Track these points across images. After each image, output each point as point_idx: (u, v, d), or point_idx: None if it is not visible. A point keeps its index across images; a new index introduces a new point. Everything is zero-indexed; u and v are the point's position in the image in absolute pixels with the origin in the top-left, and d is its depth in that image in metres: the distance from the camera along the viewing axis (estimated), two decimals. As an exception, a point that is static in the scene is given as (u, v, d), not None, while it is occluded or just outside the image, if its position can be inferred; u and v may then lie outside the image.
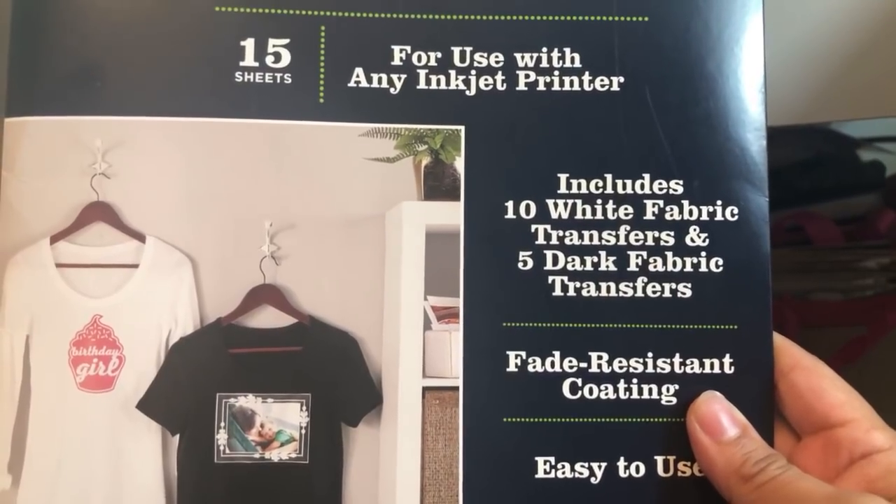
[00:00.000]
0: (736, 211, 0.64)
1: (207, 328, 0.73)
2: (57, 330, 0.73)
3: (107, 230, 0.78)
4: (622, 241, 0.65)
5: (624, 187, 0.64)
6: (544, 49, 0.66)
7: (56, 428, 0.71)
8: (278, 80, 0.68)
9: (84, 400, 0.73)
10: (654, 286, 0.64)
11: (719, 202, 0.64)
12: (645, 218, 0.64)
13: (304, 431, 0.71)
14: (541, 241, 0.66)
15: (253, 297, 0.77)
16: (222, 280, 0.78)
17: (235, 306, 0.76)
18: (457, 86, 0.63)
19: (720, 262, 0.64)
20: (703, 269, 0.64)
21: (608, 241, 0.64)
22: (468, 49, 0.67)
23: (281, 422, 0.71)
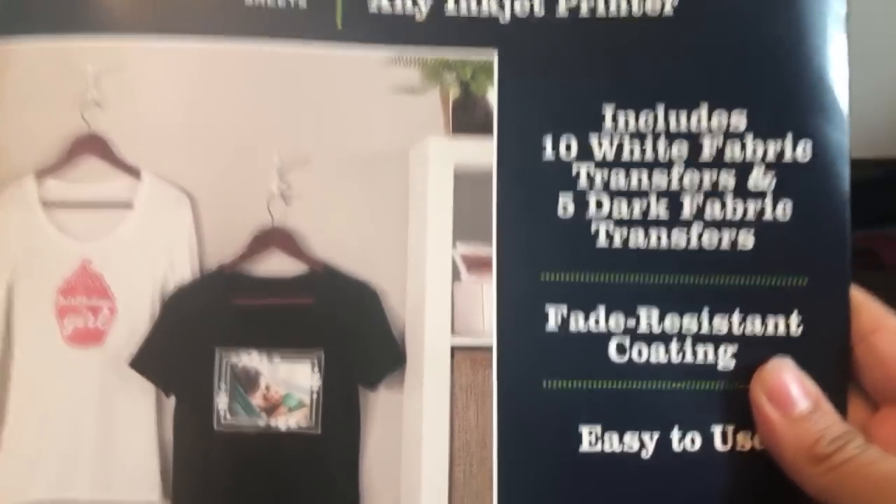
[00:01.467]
0: (809, 147, 0.56)
1: (208, 276, 0.69)
2: (42, 277, 0.68)
3: (98, 165, 0.73)
4: (675, 185, 0.58)
5: (678, 121, 0.57)
6: None
7: (40, 385, 0.67)
8: (292, 4, 0.64)
9: (71, 355, 0.69)
10: (711, 234, 0.57)
11: (789, 137, 0.56)
12: (702, 158, 0.56)
13: (315, 396, 0.66)
14: (583, 183, 0.59)
15: (259, 242, 0.71)
16: (225, 222, 0.72)
17: (239, 251, 0.71)
18: (490, 11, 0.58)
19: (788, 206, 0.57)
20: (769, 215, 0.57)
21: (659, 183, 0.58)
22: None
23: (289, 384, 0.66)
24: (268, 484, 0.62)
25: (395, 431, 0.63)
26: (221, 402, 0.65)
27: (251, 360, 0.66)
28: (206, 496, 0.63)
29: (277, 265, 0.68)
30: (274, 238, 0.71)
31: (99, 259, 0.70)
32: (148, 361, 0.67)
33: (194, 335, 0.67)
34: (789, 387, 0.56)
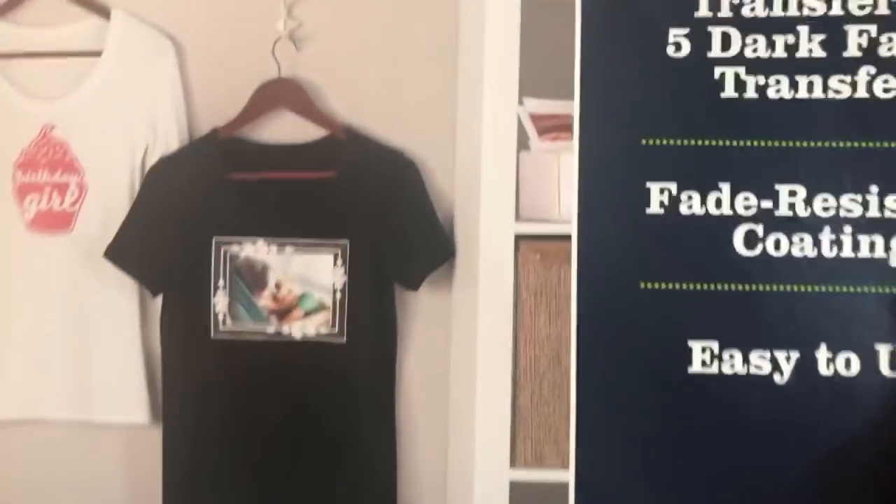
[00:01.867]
0: None
1: (199, 143, 0.59)
2: (10, 141, 0.60)
3: (58, 3, 0.62)
4: (836, 9, 0.46)
5: None
6: None
7: (18, 288, 0.59)
8: None
9: (34, 244, 0.59)
10: (885, 80, 0.43)
11: None
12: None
13: (339, 296, 0.54)
14: (704, 11, 0.46)
15: (262, 98, 0.59)
16: (220, 73, 0.61)
17: (238, 111, 0.59)
18: None
19: None
20: None
21: (813, 9, 0.48)
22: None
23: (306, 280, 0.55)
24: (280, 405, 0.54)
25: (441, 344, 0.53)
26: (220, 303, 0.55)
27: (257, 250, 0.55)
28: (204, 419, 0.55)
29: (287, 129, 0.57)
30: (282, 93, 0.58)
31: (63, 123, 0.60)
32: (128, 252, 0.57)
33: (184, 219, 0.57)
34: None
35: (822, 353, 0.46)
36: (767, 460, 0.46)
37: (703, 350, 0.46)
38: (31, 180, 0.58)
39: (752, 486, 0.47)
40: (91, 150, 0.59)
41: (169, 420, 0.54)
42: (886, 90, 0.46)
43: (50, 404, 0.57)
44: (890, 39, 0.46)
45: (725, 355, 0.46)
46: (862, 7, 0.47)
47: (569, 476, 0.46)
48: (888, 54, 0.46)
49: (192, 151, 0.58)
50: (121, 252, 0.56)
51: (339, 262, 0.53)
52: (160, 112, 0.59)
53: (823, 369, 0.46)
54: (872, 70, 0.46)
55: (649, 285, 0.48)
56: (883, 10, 0.47)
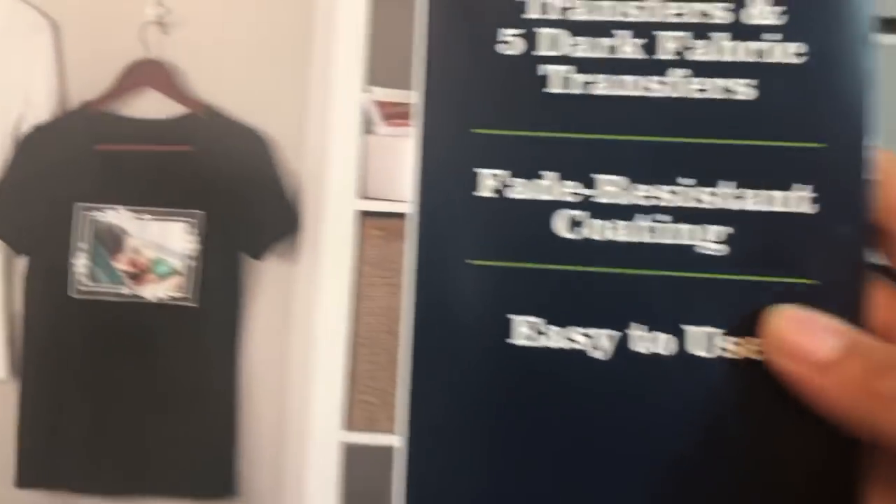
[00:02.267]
0: None
1: (69, 116, 0.53)
2: None
3: None
4: (652, 17, 0.40)
5: (656, -63, 0.40)
6: None
7: None
8: None
9: None
10: (698, 82, 0.39)
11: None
12: (689, -19, 0.40)
13: (192, 263, 0.51)
14: (533, 13, 0.41)
15: (130, 76, 0.55)
16: (92, 52, 0.56)
17: (107, 88, 0.55)
18: None
19: (801, 48, 0.40)
20: (775, 57, 0.40)
21: (632, 15, 0.39)
22: None
23: (161, 247, 0.51)
24: (132, 361, 0.50)
25: (283, 310, 0.50)
26: (80, 264, 0.51)
27: (117, 217, 0.51)
28: (61, 373, 0.49)
29: (152, 106, 0.52)
30: (147, 73, 0.54)
31: None
32: None
33: (51, 185, 0.52)
34: (805, 327, 0.40)
35: (637, 332, 0.43)
36: (582, 427, 0.44)
37: (525, 324, 0.43)
38: None
39: (566, 448, 0.44)
40: None
41: (27, 374, 0.49)
42: (699, 91, 0.44)
43: None
44: (701, 45, 0.44)
45: (545, 329, 0.43)
46: (677, 15, 0.44)
47: (398, 439, 0.43)
48: (700, 59, 0.44)
49: (62, 123, 0.53)
50: None
51: (193, 231, 0.49)
52: (34, 85, 0.53)
53: (636, 346, 0.43)
54: (686, 72, 0.44)
55: (477, 262, 0.45)
56: (695, 18, 0.44)
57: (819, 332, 0.42)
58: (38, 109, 0.53)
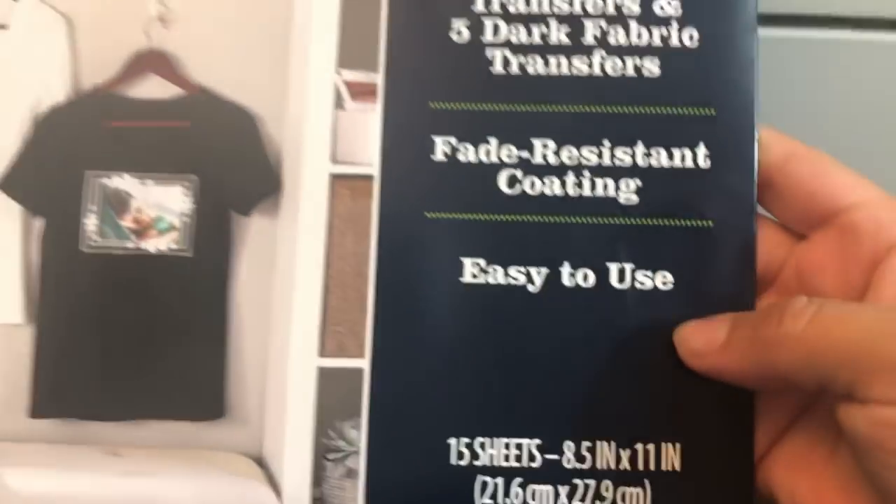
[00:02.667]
0: None
1: (82, 97, 0.53)
2: None
3: None
4: (577, 9, 0.42)
5: (578, -58, 0.42)
6: None
7: None
8: None
9: None
10: (614, 61, 0.42)
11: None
12: (604, -20, 0.42)
13: (186, 220, 0.51)
14: (480, 6, 0.43)
15: (136, 64, 0.54)
16: (102, 44, 0.55)
17: (115, 74, 0.54)
18: None
19: (695, 34, 0.42)
20: (675, 42, 0.42)
21: (560, 8, 0.42)
22: None
23: (161, 207, 0.51)
24: (136, 304, 0.49)
25: (267, 258, 0.49)
26: (90, 223, 0.50)
27: (123, 182, 0.51)
28: (73, 318, 0.49)
29: (154, 89, 0.52)
30: (150, 60, 0.53)
31: None
32: (16, 182, 0.52)
33: (65, 157, 0.52)
34: (695, 332, 0.42)
35: (566, 269, 0.44)
36: (518, 346, 0.45)
37: (473, 265, 0.45)
38: None
39: (505, 364, 0.46)
40: None
41: (41, 319, 0.50)
42: (613, 69, 0.45)
43: None
44: (616, 31, 0.45)
45: (490, 269, 0.45)
46: (595, 6, 0.46)
47: (365, 363, 0.45)
48: (615, 42, 0.46)
49: (75, 104, 0.53)
50: (10, 182, 0.52)
51: (188, 193, 0.49)
52: (52, 73, 0.53)
53: (566, 281, 0.45)
54: (604, 53, 0.45)
55: (433, 215, 0.46)
56: (611, 10, 0.46)
57: (709, 327, 0.44)
58: (55, 93, 0.52)
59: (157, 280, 0.48)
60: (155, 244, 0.48)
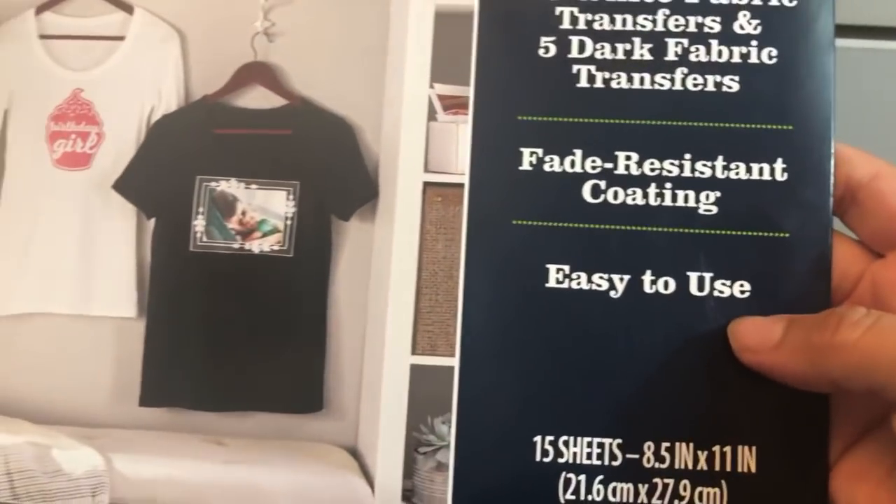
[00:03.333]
0: None
1: (192, 105, 0.52)
2: (36, 103, 0.54)
3: (94, 0, 0.57)
4: (660, 27, 0.40)
5: (663, -35, 0.40)
6: None
7: (28, 204, 0.53)
8: None
9: (59, 177, 0.54)
10: (695, 78, 0.39)
11: (775, -20, 0.40)
12: (687, 1, 0.39)
13: (289, 222, 0.50)
14: (566, 24, 0.41)
15: (242, 75, 0.54)
16: (211, 57, 0.56)
17: (223, 84, 0.50)
18: None
19: (773, 52, 0.40)
20: (754, 59, 0.40)
21: (644, 26, 0.41)
22: None
23: (265, 210, 0.51)
24: (240, 301, 0.49)
25: (364, 261, 0.49)
26: (199, 224, 0.51)
27: (229, 186, 0.51)
28: (180, 313, 0.50)
29: (258, 98, 0.52)
30: (255, 72, 0.54)
31: (90, 88, 0.55)
32: (131, 184, 0.52)
33: (177, 161, 0.52)
34: (754, 324, 0.40)
35: (647, 276, 0.43)
36: (604, 352, 0.44)
37: (558, 271, 0.43)
38: (60, 129, 0.54)
39: (591, 369, 0.44)
40: (109, 109, 0.55)
41: (152, 313, 0.51)
42: (695, 85, 0.44)
43: (58, 301, 0.53)
44: (697, 49, 0.44)
45: (574, 275, 0.43)
46: (677, 25, 0.44)
47: (455, 361, 0.44)
48: (696, 59, 0.44)
49: (186, 111, 0.53)
50: (125, 184, 0.52)
51: (291, 197, 0.49)
52: (164, 83, 0.55)
53: (647, 288, 0.43)
54: (685, 70, 0.44)
55: (519, 222, 0.45)
56: (692, 28, 0.45)
57: (765, 325, 0.42)
58: (167, 102, 0.53)
59: (260, 279, 0.48)
60: (259, 245, 0.48)
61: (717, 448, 0.40)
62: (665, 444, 0.40)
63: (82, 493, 0.42)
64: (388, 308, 0.43)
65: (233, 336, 0.47)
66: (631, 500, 0.40)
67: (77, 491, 0.43)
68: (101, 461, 0.44)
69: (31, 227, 0.52)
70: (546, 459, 0.42)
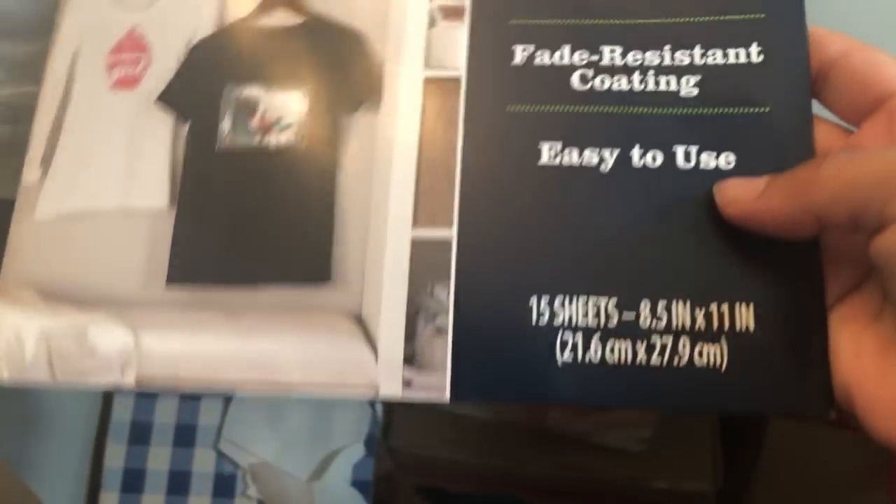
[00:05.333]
0: None
1: (225, 29, 0.42)
2: (99, 42, 0.41)
3: None
4: None
5: None
6: None
7: (86, 126, 0.40)
8: None
9: (112, 98, 0.41)
10: None
11: None
12: None
13: (303, 118, 0.38)
14: None
15: (268, 1, 0.41)
16: None
17: (252, 9, 0.42)
18: None
19: None
20: None
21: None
22: None
23: (282, 109, 0.38)
24: (258, 190, 0.37)
25: (369, 150, 0.36)
26: (225, 126, 0.39)
27: (252, 92, 0.39)
28: (206, 201, 0.37)
29: (282, 19, 0.39)
30: None
31: (145, 24, 0.43)
32: (171, 96, 0.41)
33: (211, 74, 0.40)
34: (735, 182, 0.28)
35: (636, 151, 0.31)
36: (595, 220, 0.31)
37: (550, 148, 0.31)
38: (116, 59, 0.43)
39: (584, 235, 0.32)
40: (159, 40, 0.44)
41: (182, 203, 0.39)
42: None
43: (106, 197, 0.42)
44: None
45: (566, 151, 0.31)
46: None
47: (452, 232, 0.31)
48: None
49: (220, 33, 0.41)
50: (167, 97, 0.41)
51: (305, 97, 0.38)
52: (204, 13, 0.43)
53: (636, 162, 0.31)
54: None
55: (513, 108, 0.33)
56: None
57: (750, 181, 0.30)
58: (205, 27, 0.42)
59: (276, 169, 0.37)
60: (276, 139, 0.36)
61: (714, 306, 0.28)
62: (662, 302, 0.28)
63: (112, 369, 0.33)
64: (391, 186, 0.35)
65: (252, 219, 0.34)
66: (629, 359, 0.28)
67: (108, 368, 0.33)
68: (131, 339, 0.33)
69: (88, 141, 0.41)
70: (542, 322, 0.29)
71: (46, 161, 0.46)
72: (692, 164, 0.31)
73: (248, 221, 0.37)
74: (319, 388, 0.32)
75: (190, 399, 0.69)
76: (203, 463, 0.65)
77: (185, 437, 0.67)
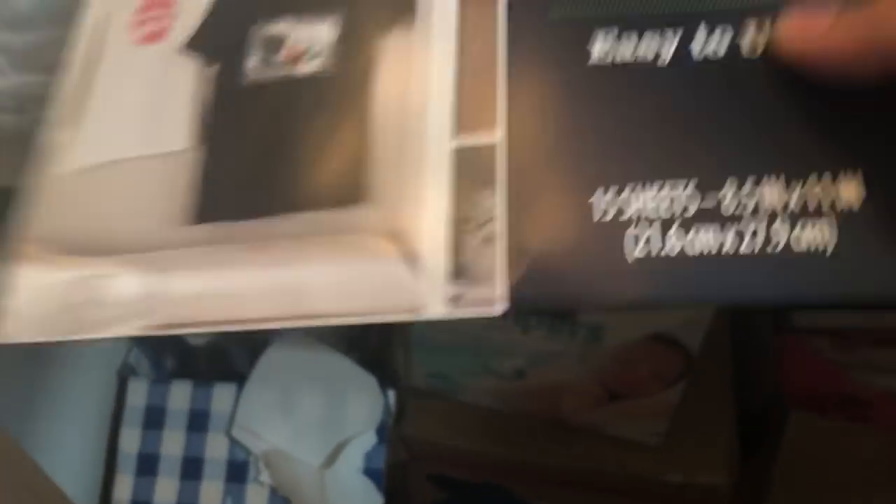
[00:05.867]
0: None
1: None
2: (131, 3, 0.36)
3: None
4: None
5: None
6: None
7: (114, 82, 0.35)
8: None
9: (138, 52, 0.36)
10: None
11: None
12: None
13: (333, 47, 0.33)
14: None
15: None
16: None
17: None
18: None
19: None
20: None
21: None
22: None
23: (311, 39, 0.33)
24: (288, 121, 0.31)
25: (403, 71, 0.30)
26: (253, 61, 0.34)
27: (281, 26, 0.34)
28: (234, 138, 0.32)
29: None
30: None
31: None
32: (198, 41, 0.36)
33: (237, 13, 0.35)
34: (801, 18, 0.22)
35: (699, 32, 0.25)
36: (660, 104, 0.25)
37: (606, 34, 0.25)
38: (142, 17, 0.39)
39: (650, 118, 0.26)
40: None
41: (205, 142, 0.33)
42: None
43: (132, 147, 0.36)
44: None
45: (620, 39, 0.25)
46: None
47: (497, 138, 0.25)
48: None
49: None
50: (194, 41, 0.38)
51: (335, 25, 0.34)
52: None
53: (697, 55, 0.25)
54: None
55: (556, 13, 0.27)
56: None
57: (812, 15, 0.23)
58: None
59: (306, 96, 0.32)
60: (306, 68, 0.32)
61: (814, 177, 0.21)
62: (750, 179, 0.21)
63: (131, 317, 0.27)
64: (429, 96, 0.28)
65: (280, 149, 0.30)
66: (714, 250, 0.21)
67: (128, 316, 0.27)
68: (152, 284, 0.28)
69: (119, 94, 0.36)
70: (607, 218, 0.23)
71: (73, 120, 0.41)
72: (759, 51, 0.23)
73: (277, 152, 0.32)
74: (354, 315, 0.26)
75: (204, 385, 0.62)
76: (216, 449, 0.60)
77: (198, 422, 0.60)
